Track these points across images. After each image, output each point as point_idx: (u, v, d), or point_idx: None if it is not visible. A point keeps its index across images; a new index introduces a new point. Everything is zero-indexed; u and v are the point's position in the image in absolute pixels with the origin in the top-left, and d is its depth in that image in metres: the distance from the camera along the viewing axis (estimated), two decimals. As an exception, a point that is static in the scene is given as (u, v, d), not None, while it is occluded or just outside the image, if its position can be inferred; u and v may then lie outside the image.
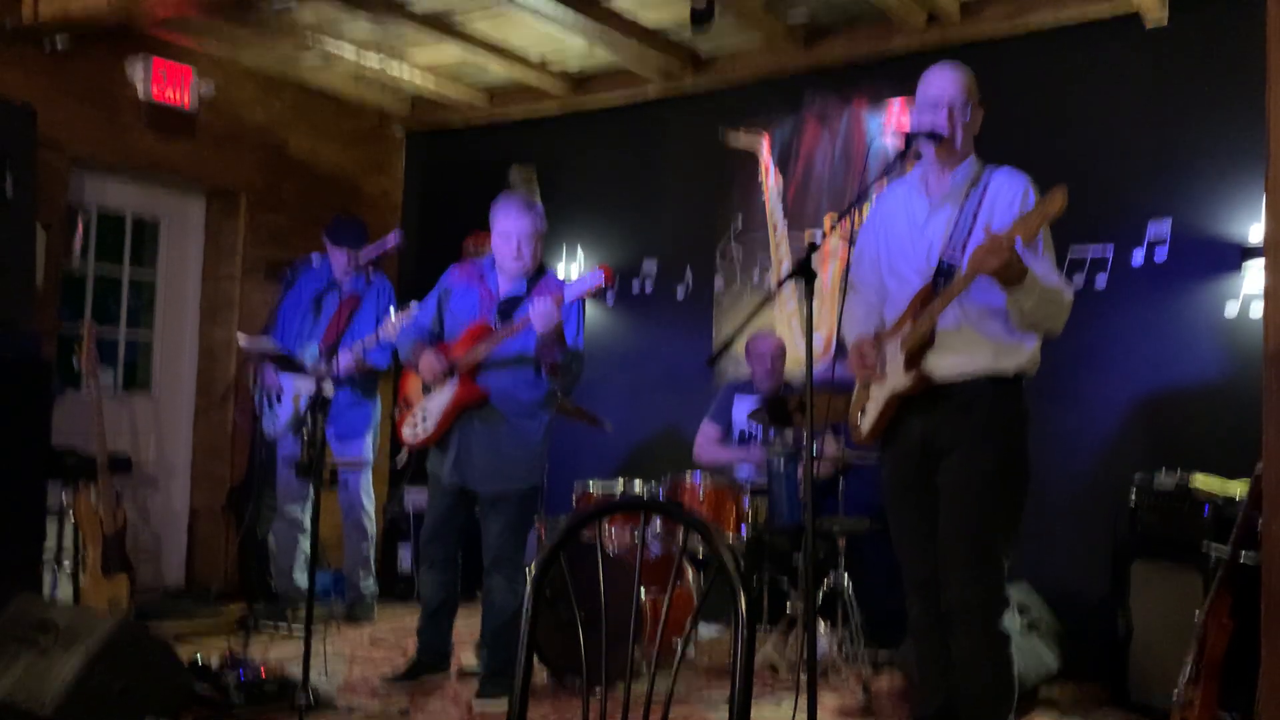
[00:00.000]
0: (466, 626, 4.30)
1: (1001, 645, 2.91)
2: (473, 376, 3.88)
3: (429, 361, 3.87)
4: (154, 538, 5.73)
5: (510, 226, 3.92)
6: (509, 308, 3.93)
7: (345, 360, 4.84)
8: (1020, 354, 2.93)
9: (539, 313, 3.64)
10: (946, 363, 2.92)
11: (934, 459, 2.97)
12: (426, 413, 3.95)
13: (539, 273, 4.03)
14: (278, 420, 5.02)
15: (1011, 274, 2.70)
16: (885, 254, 3.12)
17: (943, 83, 2.98)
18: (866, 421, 3.08)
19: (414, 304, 4.27)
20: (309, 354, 4.97)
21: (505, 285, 4.01)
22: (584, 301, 4.00)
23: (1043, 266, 2.83)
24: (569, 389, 3.98)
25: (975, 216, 2.92)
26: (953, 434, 2.92)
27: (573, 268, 6.08)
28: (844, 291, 3.12)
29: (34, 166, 4.55)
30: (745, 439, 5.04)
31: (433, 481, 4.06)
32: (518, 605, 3.94)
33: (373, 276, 5.16)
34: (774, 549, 4.54)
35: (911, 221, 3.05)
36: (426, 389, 3.98)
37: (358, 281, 5.06)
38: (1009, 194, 2.93)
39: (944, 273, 2.92)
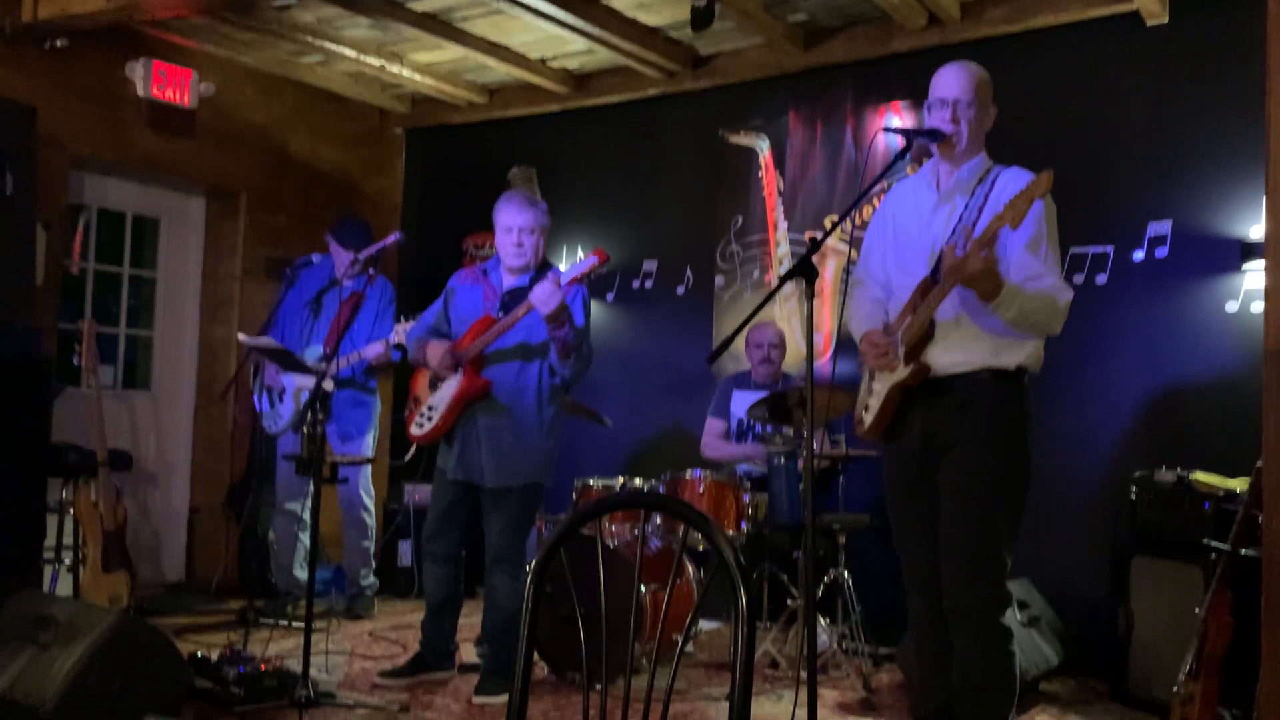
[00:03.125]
0: (469, 622, 4.30)
1: (1003, 642, 2.90)
2: (477, 369, 3.89)
3: (435, 347, 3.89)
4: (154, 534, 5.74)
5: (511, 220, 3.95)
6: (512, 301, 3.93)
7: (374, 350, 4.88)
8: (1021, 349, 2.91)
9: (540, 296, 3.66)
10: (945, 357, 2.91)
11: (935, 456, 2.96)
12: (432, 408, 3.96)
13: (543, 267, 4.04)
14: (279, 418, 5.03)
15: (987, 288, 2.72)
16: (893, 248, 3.12)
17: (948, 81, 3.00)
18: (869, 417, 3.06)
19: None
20: (311, 353, 4.98)
21: (509, 281, 4.02)
22: (587, 290, 4.01)
23: (1037, 267, 2.82)
24: (581, 373, 3.96)
25: (980, 211, 2.90)
26: (954, 432, 2.91)
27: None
28: (846, 286, 3.12)
29: (34, 166, 4.56)
30: (743, 431, 5.05)
31: (438, 476, 4.07)
32: (519, 603, 3.93)
33: (374, 275, 5.16)
34: (774, 545, 4.54)
35: (919, 216, 3.06)
36: (434, 385, 4.00)
37: (359, 280, 5.06)
38: (1014, 190, 2.92)
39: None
